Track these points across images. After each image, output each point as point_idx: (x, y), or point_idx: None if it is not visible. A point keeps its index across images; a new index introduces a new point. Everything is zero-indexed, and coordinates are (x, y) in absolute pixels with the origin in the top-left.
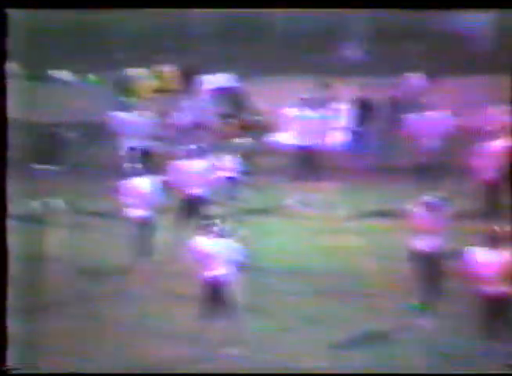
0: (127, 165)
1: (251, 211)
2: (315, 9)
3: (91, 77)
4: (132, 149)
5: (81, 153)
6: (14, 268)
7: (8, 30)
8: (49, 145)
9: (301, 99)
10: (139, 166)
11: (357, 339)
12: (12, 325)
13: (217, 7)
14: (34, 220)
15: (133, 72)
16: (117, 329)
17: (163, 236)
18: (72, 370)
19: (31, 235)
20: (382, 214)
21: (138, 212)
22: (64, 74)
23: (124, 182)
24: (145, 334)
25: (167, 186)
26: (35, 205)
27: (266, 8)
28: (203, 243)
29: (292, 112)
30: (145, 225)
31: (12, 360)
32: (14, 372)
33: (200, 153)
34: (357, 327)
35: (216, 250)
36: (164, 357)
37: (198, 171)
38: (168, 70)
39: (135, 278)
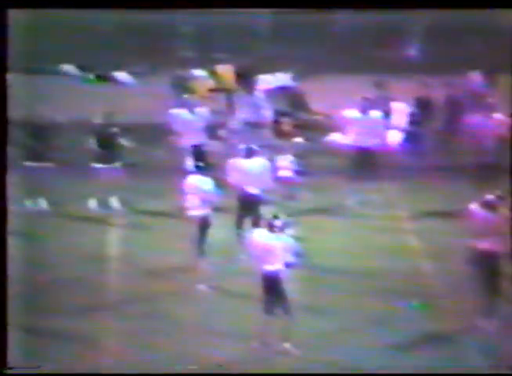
0: (187, 164)
1: (310, 211)
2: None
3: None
4: (192, 148)
5: (140, 153)
6: (76, 268)
7: (7, 30)
8: (108, 145)
9: (360, 98)
10: (199, 165)
11: (418, 340)
12: (76, 324)
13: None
14: (94, 220)
15: (191, 71)
16: (178, 328)
17: (221, 234)
18: (133, 368)
19: (91, 235)
20: (442, 214)
21: (197, 211)
22: (123, 75)
23: (183, 180)
24: (205, 332)
25: (225, 185)
26: (95, 205)
27: (268, 7)
28: (263, 237)
29: (350, 112)
30: (203, 223)
31: (74, 358)
32: (14, 372)
33: (258, 153)
34: (418, 328)
35: (275, 245)
36: (222, 356)
37: (255, 170)
38: (226, 69)
39: (195, 277)
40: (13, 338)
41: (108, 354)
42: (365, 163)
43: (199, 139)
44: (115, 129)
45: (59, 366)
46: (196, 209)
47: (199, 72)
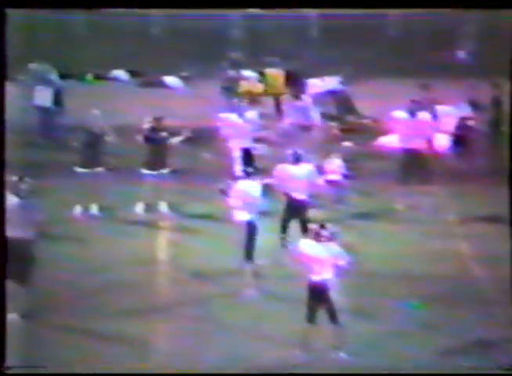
0: (235, 168)
1: (358, 215)
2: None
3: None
4: (240, 151)
5: (189, 157)
6: (127, 271)
7: (5, 29)
8: (157, 149)
9: (409, 101)
10: (247, 169)
11: (469, 346)
12: (126, 327)
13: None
14: (144, 224)
15: (241, 75)
16: (226, 331)
17: (268, 239)
18: (182, 370)
19: (141, 239)
20: (491, 218)
21: (244, 215)
22: (172, 79)
23: (231, 184)
24: (252, 336)
25: (272, 189)
26: (143, 209)
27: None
28: (310, 246)
29: (399, 114)
30: (251, 228)
31: (126, 360)
32: (14, 372)
33: (305, 157)
34: (469, 334)
35: (323, 254)
36: (269, 360)
37: (303, 174)
38: (275, 73)
39: (243, 281)
40: (66, 340)
41: (158, 356)
42: (414, 166)
43: (247, 142)
44: (164, 134)
45: (110, 368)
46: (243, 213)
47: (248, 75)
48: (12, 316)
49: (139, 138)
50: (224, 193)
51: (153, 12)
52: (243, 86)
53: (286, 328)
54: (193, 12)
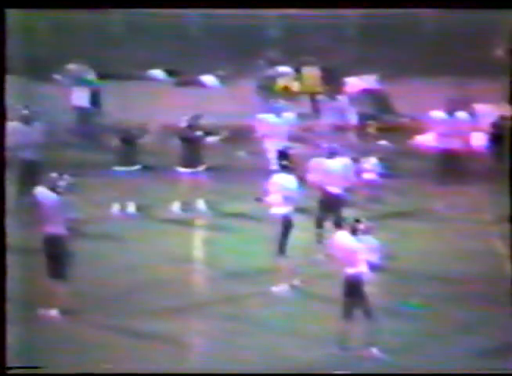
0: (271, 166)
1: (394, 214)
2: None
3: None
4: (277, 151)
5: (225, 155)
6: (163, 270)
7: (5, 29)
8: (193, 148)
9: (447, 100)
10: (283, 164)
11: (505, 347)
12: (162, 325)
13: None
14: (180, 223)
15: (278, 73)
16: (260, 329)
17: (302, 235)
18: (217, 369)
19: (178, 238)
20: None
21: (280, 211)
22: (208, 78)
23: (268, 181)
24: (287, 334)
25: (307, 185)
26: (179, 208)
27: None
28: (346, 240)
29: (436, 113)
30: (286, 222)
31: (162, 359)
32: (14, 372)
33: (341, 153)
34: (505, 335)
35: (358, 247)
36: (304, 358)
37: (338, 169)
38: (312, 71)
39: (278, 278)
40: (102, 338)
41: (193, 354)
42: (451, 165)
43: (284, 143)
44: (200, 133)
45: (146, 366)
46: (279, 207)
47: (285, 71)
48: (53, 313)
49: (176, 136)
50: (260, 201)
51: (190, 11)
52: (280, 84)
53: (321, 326)
54: (230, 12)
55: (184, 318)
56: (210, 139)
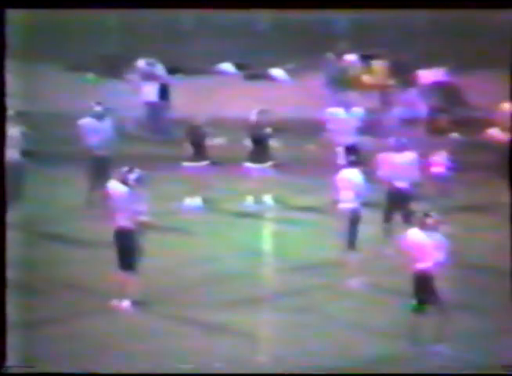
0: (339, 161)
1: (463, 207)
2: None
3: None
4: (345, 146)
5: (293, 149)
6: (232, 262)
7: (5, 29)
8: (262, 143)
9: None
10: (351, 159)
11: None
12: (232, 317)
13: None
14: (249, 216)
15: (347, 67)
16: (329, 322)
17: (370, 229)
18: (287, 363)
19: (246, 231)
20: None
21: (348, 205)
22: (277, 72)
23: (336, 175)
24: (355, 328)
25: (374, 179)
26: (252, 202)
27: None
28: (415, 235)
29: (507, 106)
30: (354, 217)
31: (231, 352)
32: (14, 372)
33: (409, 146)
34: None
35: (427, 242)
36: (372, 353)
37: (405, 163)
38: (381, 65)
39: (346, 272)
40: (171, 330)
41: (261, 347)
42: None
43: (353, 137)
44: (268, 130)
45: (215, 359)
46: (347, 202)
47: (356, 67)
48: (125, 303)
49: (244, 132)
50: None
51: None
52: (351, 77)
53: (391, 320)
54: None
55: (253, 310)
56: (278, 134)
